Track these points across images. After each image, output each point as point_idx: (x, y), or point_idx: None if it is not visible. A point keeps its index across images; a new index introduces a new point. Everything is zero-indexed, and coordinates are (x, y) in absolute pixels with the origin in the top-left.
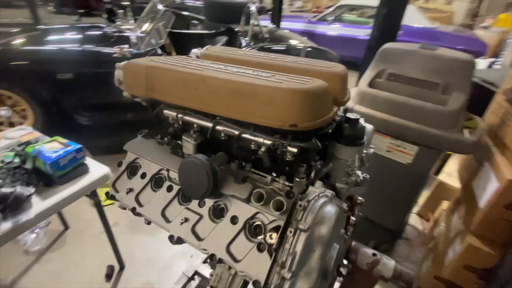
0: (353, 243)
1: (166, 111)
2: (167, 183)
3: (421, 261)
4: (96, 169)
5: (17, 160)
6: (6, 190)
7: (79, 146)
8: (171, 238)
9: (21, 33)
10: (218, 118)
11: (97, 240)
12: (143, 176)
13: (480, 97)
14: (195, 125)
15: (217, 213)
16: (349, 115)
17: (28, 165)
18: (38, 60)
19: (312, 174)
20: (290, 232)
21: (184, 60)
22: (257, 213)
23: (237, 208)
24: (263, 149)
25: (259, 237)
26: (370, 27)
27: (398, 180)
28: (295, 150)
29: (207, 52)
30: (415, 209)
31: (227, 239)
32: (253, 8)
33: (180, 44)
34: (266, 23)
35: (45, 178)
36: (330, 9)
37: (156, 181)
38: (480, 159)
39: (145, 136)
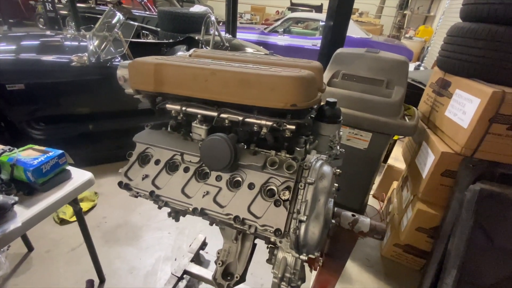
0: (335, 209)
1: (169, 105)
2: (183, 165)
3: None
4: (79, 175)
5: None
6: None
7: (61, 151)
8: (194, 210)
9: None
10: (224, 106)
11: (68, 258)
12: (157, 162)
13: (412, 92)
14: (199, 115)
15: (234, 184)
16: (328, 99)
17: (5, 175)
18: None
19: (307, 146)
20: (301, 186)
21: (186, 58)
22: (270, 178)
23: (252, 177)
24: (265, 129)
25: (273, 198)
26: (315, 38)
27: (358, 164)
28: (293, 126)
29: (197, 53)
30: (371, 191)
31: (247, 202)
32: (213, 18)
33: (138, 53)
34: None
35: (25, 187)
36: (279, 22)
37: (171, 166)
38: (419, 140)
39: (152, 127)
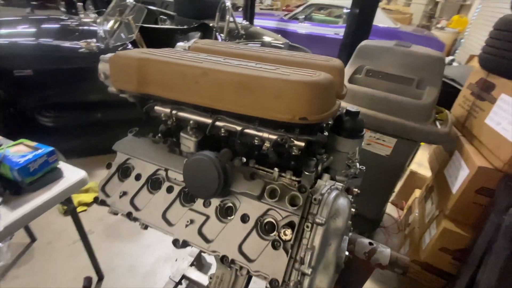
0: (350, 234)
1: (158, 107)
2: (166, 184)
3: (398, 247)
4: (71, 173)
5: None
6: None
7: (51, 148)
8: (175, 242)
9: None
10: (219, 113)
11: (69, 251)
12: (138, 177)
13: (444, 91)
14: (191, 122)
15: (225, 213)
16: (348, 108)
17: None
18: None
19: (319, 167)
20: (307, 227)
21: (178, 53)
22: (268, 209)
23: (247, 206)
24: (267, 144)
25: (272, 234)
26: (338, 26)
27: (378, 171)
28: (302, 144)
29: (196, 45)
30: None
31: (239, 238)
32: (228, 3)
33: (151, 39)
34: (238, 20)
35: (12, 186)
36: (300, 8)
37: (153, 182)
38: (450, 149)
39: (136, 134)
